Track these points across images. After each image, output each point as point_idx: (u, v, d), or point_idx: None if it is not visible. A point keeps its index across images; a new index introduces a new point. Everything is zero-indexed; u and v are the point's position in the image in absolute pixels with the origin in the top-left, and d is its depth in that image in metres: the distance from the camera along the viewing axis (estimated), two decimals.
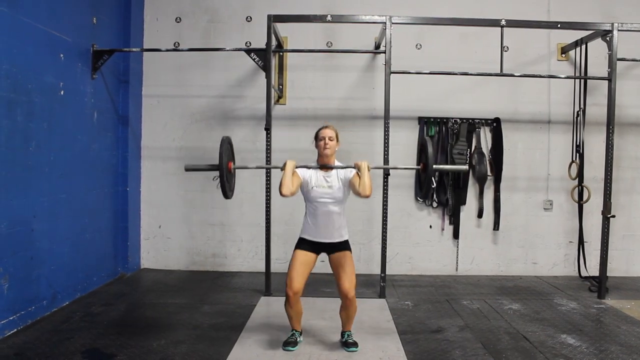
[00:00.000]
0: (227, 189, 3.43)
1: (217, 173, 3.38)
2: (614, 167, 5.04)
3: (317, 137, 3.52)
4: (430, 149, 3.48)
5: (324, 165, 3.47)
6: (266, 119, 4.82)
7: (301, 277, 3.39)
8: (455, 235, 5.90)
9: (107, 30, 5.17)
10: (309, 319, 3.95)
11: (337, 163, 3.51)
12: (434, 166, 3.56)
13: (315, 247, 3.49)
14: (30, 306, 3.92)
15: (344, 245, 3.50)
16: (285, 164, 3.39)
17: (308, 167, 3.48)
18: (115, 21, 5.35)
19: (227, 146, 3.44)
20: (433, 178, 5.70)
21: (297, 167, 3.43)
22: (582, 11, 5.71)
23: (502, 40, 4.85)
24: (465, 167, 3.99)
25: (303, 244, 3.50)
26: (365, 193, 3.31)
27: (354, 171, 3.42)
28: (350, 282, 3.39)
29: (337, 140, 3.51)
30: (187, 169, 3.64)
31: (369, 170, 3.36)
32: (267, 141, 4.81)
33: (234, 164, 3.54)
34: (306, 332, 3.74)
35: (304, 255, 3.45)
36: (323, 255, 3.56)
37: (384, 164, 4.77)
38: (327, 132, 3.46)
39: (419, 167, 3.70)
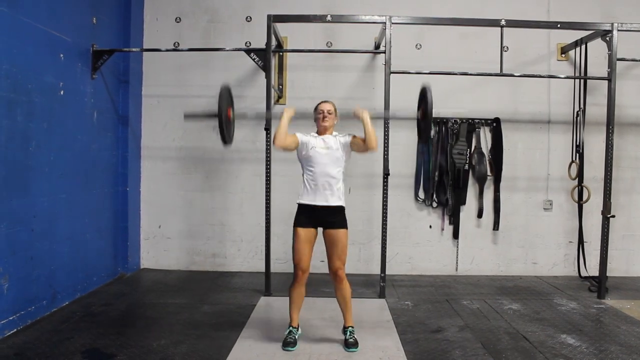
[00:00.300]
0: (226, 136, 3.48)
1: (220, 127, 3.43)
2: (614, 167, 5.04)
3: (316, 110, 3.64)
4: (429, 96, 3.59)
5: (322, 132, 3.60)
6: (266, 119, 4.82)
7: (307, 256, 3.50)
8: (455, 235, 5.90)
9: (107, 30, 5.17)
10: (309, 319, 3.96)
11: (335, 133, 3.63)
12: (433, 110, 3.69)
13: (313, 219, 3.50)
14: (30, 306, 3.92)
15: (341, 219, 3.51)
16: (282, 113, 3.52)
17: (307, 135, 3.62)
18: (115, 21, 5.35)
19: (226, 93, 3.47)
20: (434, 177, 5.80)
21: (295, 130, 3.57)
22: (582, 11, 5.72)
23: (502, 40, 4.85)
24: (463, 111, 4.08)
25: (301, 217, 3.51)
26: (372, 145, 3.44)
27: (350, 136, 3.56)
28: (341, 260, 3.49)
29: (336, 115, 3.63)
30: (187, 116, 3.67)
31: (370, 118, 3.50)
32: (267, 141, 4.81)
33: (233, 111, 3.58)
34: (306, 332, 3.74)
35: (305, 233, 3.49)
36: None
37: (384, 164, 4.78)
38: (326, 106, 3.61)
39: (418, 113, 3.77)
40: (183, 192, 5.91)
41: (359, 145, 3.50)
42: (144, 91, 5.89)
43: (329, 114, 3.58)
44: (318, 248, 3.62)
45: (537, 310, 4.51)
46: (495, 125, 5.84)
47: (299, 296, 3.56)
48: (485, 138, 5.88)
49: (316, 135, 3.61)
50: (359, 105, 3.67)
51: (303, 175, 3.57)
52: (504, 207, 5.89)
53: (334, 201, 3.48)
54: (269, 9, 5.23)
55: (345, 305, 3.58)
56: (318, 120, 3.61)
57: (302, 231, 3.50)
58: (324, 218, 3.49)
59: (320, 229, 3.55)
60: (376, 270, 5.27)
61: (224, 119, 3.42)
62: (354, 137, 3.55)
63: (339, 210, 3.52)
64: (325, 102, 3.65)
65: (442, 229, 5.93)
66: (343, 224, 3.52)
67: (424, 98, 3.70)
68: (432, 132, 5.79)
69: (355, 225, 5.65)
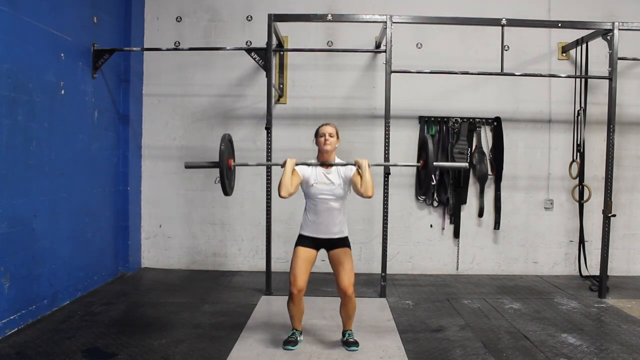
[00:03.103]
0: (227, 187, 3.46)
1: (220, 177, 3.40)
2: (615, 166, 5.05)
3: (317, 134, 3.53)
4: (430, 146, 3.50)
5: (324, 163, 3.48)
6: (267, 118, 4.82)
7: (304, 275, 3.41)
8: (456, 234, 5.90)
9: (107, 30, 5.17)
10: (309, 319, 3.95)
11: (337, 160, 3.52)
12: (434, 163, 3.58)
13: (315, 243, 3.49)
14: (31, 305, 3.92)
15: (344, 242, 3.49)
16: (285, 162, 3.40)
17: (308, 164, 3.48)
18: (116, 20, 5.35)
19: (227, 143, 3.45)
20: (434, 176, 5.79)
21: (297, 165, 3.44)
22: (582, 10, 5.71)
23: (503, 39, 4.84)
24: (466, 164, 3.99)
25: (303, 240, 3.49)
26: (367, 194, 3.33)
27: (354, 169, 3.43)
28: (349, 279, 3.40)
29: (338, 137, 3.52)
30: (187, 167, 3.66)
31: (369, 167, 3.38)
32: (267, 140, 4.81)
33: (234, 161, 3.56)
34: (306, 332, 3.74)
35: (305, 252, 3.46)
36: (323, 254, 3.56)
37: (385, 162, 4.77)
38: (328, 129, 3.48)
39: (419, 164, 3.70)
40: (184, 192, 5.91)
41: (357, 188, 3.38)
42: (145, 90, 5.89)
43: (331, 136, 3.45)
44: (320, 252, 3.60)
45: (538, 309, 4.51)
46: (496, 124, 5.83)
47: (298, 312, 3.52)
48: (486, 137, 5.88)
49: (317, 164, 3.49)
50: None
51: (305, 204, 3.52)
52: (504, 206, 5.88)
53: (337, 233, 3.46)
54: (269, 8, 5.23)
55: (347, 317, 3.55)
56: (320, 144, 3.49)
57: (302, 250, 3.46)
58: (326, 244, 3.48)
59: (323, 250, 3.52)
60: (377, 269, 5.28)
61: (225, 170, 3.40)
62: (357, 173, 3.41)
63: (342, 240, 3.50)
64: (326, 124, 3.49)
65: (443, 228, 5.93)
66: (347, 244, 3.49)
67: (424, 148, 3.57)
68: (433, 131, 5.80)
69: (356, 224, 5.68)
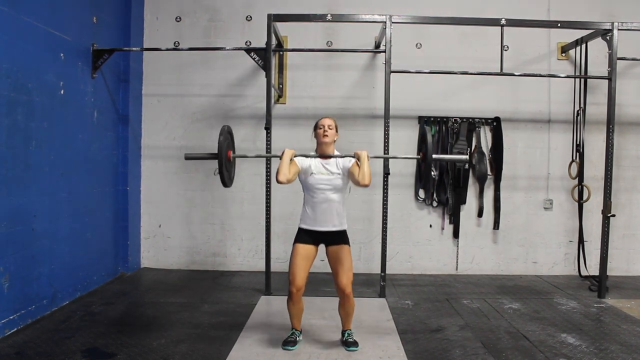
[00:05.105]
0: (226, 178, 3.47)
1: (219, 169, 3.40)
2: (614, 166, 5.05)
3: (316, 126, 3.53)
4: (429, 138, 3.54)
5: (323, 155, 3.48)
6: (266, 118, 4.82)
7: (303, 273, 3.40)
8: (456, 234, 5.90)
9: (107, 30, 5.17)
10: (308, 319, 3.96)
11: (336, 153, 3.53)
12: (434, 155, 3.62)
13: (314, 238, 3.46)
14: (30, 305, 3.92)
15: (343, 238, 3.47)
16: (283, 152, 3.39)
17: (307, 156, 3.48)
18: (115, 20, 5.35)
19: (226, 135, 3.45)
20: (433, 176, 5.80)
21: (296, 156, 3.44)
22: (582, 10, 5.72)
23: (502, 39, 4.84)
24: (465, 157, 3.98)
25: (302, 235, 3.47)
26: (364, 182, 3.30)
27: (353, 160, 3.42)
28: (348, 278, 3.40)
29: (336, 131, 3.52)
30: (187, 158, 3.67)
31: (368, 159, 3.38)
32: (267, 140, 4.81)
33: (234, 152, 3.57)
34: (306, 332, 3.74)
35: (304, 249, 3.44)
36: (323, 255, 3.56)
37: (384, 162, 4.78)
38: (327, 121, 3.48)
39: (419, 156, 3.72)
40: (183, 192, 5.92)
41: (354, 177, 3.35)
42: (144, 90, 5.89)
43: (330, 128, 3.45)
44: (319, 249, 3.60)
45: (538, 309, 4.51)
46: (495, 124, 5.84)
47: (297, 311, 3.51)
48: (485, 137, 5.88)
49: (316, 156, 3.49)
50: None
51: (304, 198, 3.51)
52: (504, 206, 5.89)
53: (336, 225, 3.43)
54: (269, 8, 5.23)
55: (347, 317, 3.55)
56: (318, 136, 3.49)
57: (301, 247, 3.43)
58: (325, 238, 3.46)
59: (322, 247, 3.49)
60: (376, 269, 5.27)
61: (224, 161, 3.40)
62: (355, 164, 3.40)
63: (341, 233, 3.47)
64: (325, 117, 3.52)
65: (443, 228, 5.93)
66: (346, 241, 3.47)
67: (424, 140, 3.59)
68: (433, 131, 5.80)
69: (356, 224, 5.67)
